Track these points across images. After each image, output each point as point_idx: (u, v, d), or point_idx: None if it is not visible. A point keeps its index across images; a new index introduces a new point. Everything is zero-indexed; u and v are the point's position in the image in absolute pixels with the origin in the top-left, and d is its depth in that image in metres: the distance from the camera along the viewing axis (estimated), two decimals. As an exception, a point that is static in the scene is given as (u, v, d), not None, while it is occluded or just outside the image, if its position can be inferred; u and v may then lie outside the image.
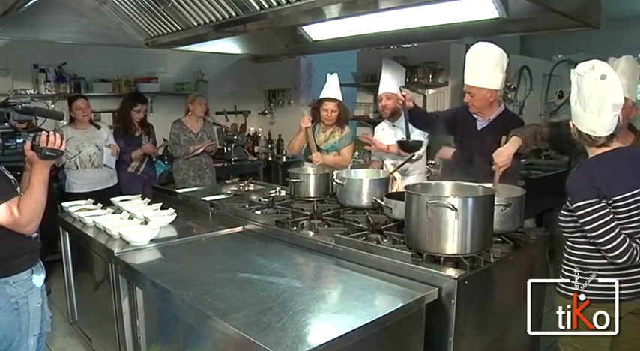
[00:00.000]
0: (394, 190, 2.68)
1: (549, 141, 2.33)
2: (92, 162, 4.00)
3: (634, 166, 1.77)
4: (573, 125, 1.80)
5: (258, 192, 3.44)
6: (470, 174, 2.35)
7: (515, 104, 5.50)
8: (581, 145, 1.86)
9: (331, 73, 3.53)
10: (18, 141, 1.91)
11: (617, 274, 1.75)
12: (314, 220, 2.50)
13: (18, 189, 1.94)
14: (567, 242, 1.87)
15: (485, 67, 2.59)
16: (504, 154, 2.28)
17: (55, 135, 1.89)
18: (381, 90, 3.38)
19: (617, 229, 1.68)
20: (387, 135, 3.42)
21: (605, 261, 1.75)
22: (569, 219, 1.81)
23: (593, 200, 1.69)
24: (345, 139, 3.60)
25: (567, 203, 1.81)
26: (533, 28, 2.52)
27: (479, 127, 2.78)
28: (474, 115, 2.79)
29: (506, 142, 2.34)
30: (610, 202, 1.70)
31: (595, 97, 1.68)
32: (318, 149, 3.54)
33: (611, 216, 1.69)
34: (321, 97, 3.53)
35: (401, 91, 2.89)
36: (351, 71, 5.30)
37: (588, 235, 1.72)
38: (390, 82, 3.34)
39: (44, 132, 1.90)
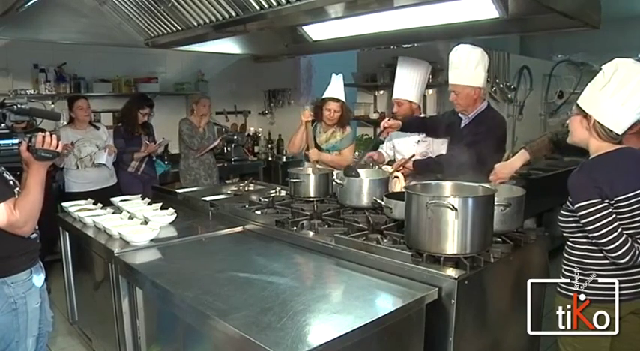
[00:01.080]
0: (397, 190, 2.68)
1: (562, 147, 2.30)
2: (92, 161, 4.01)
3: (636, 166, 1.77)
4: (587, 116, 1.74)
5: (258, 192, 3.44)
6: (455, 173, 2.36)
7: (515, 104, 5.50)
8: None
9: (337, 74, 3.53)
10: (14, 142, 1.89)
11: (617, 274, 1.75)
12: (314, 220, 2.50)
13: (17, 189, 1.93)
14: (568, 242, 1.86)
15: (468, 66, 2.73)
16: (507, 169, 2.30)
17: (51, 136, 1.89)
18: (393, 95, 3.32)
19: (619, 230, 1.67)
20: (402, 137, 3.36)
21: (606, 261, 1.74)
22: (570, 219, 1.80)
23: (596, 200, 1.68)
24: (347, 139, 3.60)
25: (568, 203, 1.80)
26: (533, 28, 2.53)
27: (462, 125, 2.88)
28: (459, 115, 2.89)
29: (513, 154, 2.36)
30: (612, 202, 1.69)
31: (631, 85, 1.64)
32: (319, 149, 3.54)
33: (613, 216, 1.68)
34: (324, 96, 3.52)
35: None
36: (351, 71, 5.30)
37: (590, 235, 1.71)
38: (401, 86, 3.26)
39: (40, 133, 1.89)
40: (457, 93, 2.78)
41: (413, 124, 3.17)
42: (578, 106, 1.79)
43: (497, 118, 2.86)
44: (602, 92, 1.70)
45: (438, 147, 3.18)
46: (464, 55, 2.74)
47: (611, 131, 1.72)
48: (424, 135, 3.21)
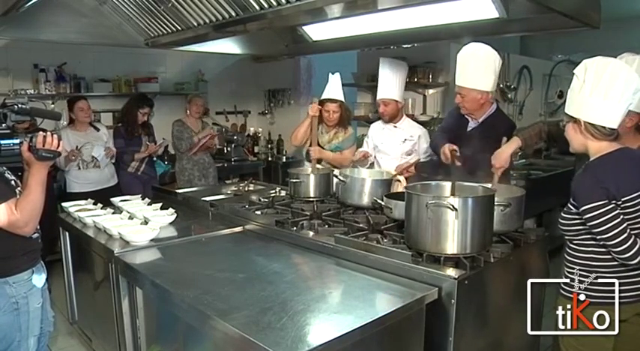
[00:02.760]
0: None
1: (555, 140, 2.31)
2: (94, 162, 4.02)
3: (638, 166, 1.76)
4: (577, 121, 1.75)
5: (258, 192, 3.44)
6: (462, 175, 2.35)
7: (515, 104, 5.51)
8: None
9: (333, 73, 3.51)
10: (15, 141, 1.89)
11: (623, 275, 1.74)
12: (314, 220, 2.50)
13: (18, 189, 1.93)
14: (570, 244, 1.84)
15: (476, 69, 2.61)
16: (502, 156, 2.30)
17: (52, 136, 1.88)
18: (378, 95, 3.31)
19: (628, 230, 1.66)
20: (387, 136, 3.38)
21: (613, 263, 1.72)
22: (575, 221, 1.77)
23: (603, 202, 1.66)
24: (348, 140, 3.60)
25: (570, 205, 1.78)
26: (533, 28, 2.52)
27: (469, 129, 2.81)
28: (466, 117, 2.81)
29: (506, 141, 2.35)
30: (619, 202, 1.67)
31: (620, 83, 1.64)
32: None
33: (621, 217, 1.66)
34: (322, 97, 3.52)
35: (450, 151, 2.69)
36: (351, 71, 5.30)
37: (599, 237, 1.69)
38: (386, 87, 3.26)
39: (41, 133, 1.89)
40: (463, 96, 2.67)
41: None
42: (566, 114, 1.80)
43: (508, 124, 2.77)
44: (581, 94, 1.71)
45: (424, 146, 3.19)
46: (472, 57, 2.61)
47: (604, 128, 1.71)
48: (410, 135, 3.23)
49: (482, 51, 2.61)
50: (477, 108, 2.70)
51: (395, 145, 3.28)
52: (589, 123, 1.73)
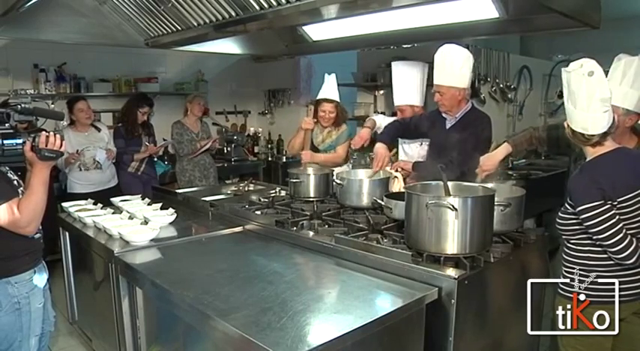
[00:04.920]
0: (395, 189, 2.68)
1: (547, 144, 2.33)
2: (95, 165, 4.01)
3: (635, 166, 1.77)
4: (567, 125, 1.79)
5: (258, 192, 3.44)
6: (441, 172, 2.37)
7: (515, 104, 5.50)
8: (578, 147, 1.86)
9: (329, 74, 3.51)
10: (18, 141, 1.89)
11: (620, 275, 1.74)
12: (314, 220, 2.51)
13: (21, 189, 1.93)
14: (568, 244, 1.85)
15: (452, 67, 2.71)
16: (492, 160, 2.33)
17: (54, 136, 1.89)
18: (394, 102, 3.31)
19: (624, 230, 1.67)
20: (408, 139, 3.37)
21: (610, 262, 1.73)
22: (572, 221, 1.79)
23: (599, 202, 1.67)
24: (341, 137, 3.60)
25: (567, 205, 1.79)
26: (533, 28, 2.53)
27: (447, 126, 2.87)
28: (443, 115, 2.88)
29: (496, 147, 2.37)
30: (615, 202, 1.69)
31: (583, 93, 1.68)
32: (317, 150, 3.54)
33: (617, 217, 1.67)
34: (318, 97, 3.52)
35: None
36: (351, 71, 5.30)
37: (595, 237, 1.71)
38: (399, 93, 3.26)
39: (43, 133, 1.89)
40: (442, 94, 2.78)
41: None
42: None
43: (485, 118, 2.86)
44: (568, 104, 1.77)
45: None
46: (448, 56, 2.72)
47: (583, 135, 1.74)
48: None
49: (456, 51, 2.71)
50: (455, 104, 2.80)
51: (414, 149, 3.27)
52: (572, 128, 1.77)
